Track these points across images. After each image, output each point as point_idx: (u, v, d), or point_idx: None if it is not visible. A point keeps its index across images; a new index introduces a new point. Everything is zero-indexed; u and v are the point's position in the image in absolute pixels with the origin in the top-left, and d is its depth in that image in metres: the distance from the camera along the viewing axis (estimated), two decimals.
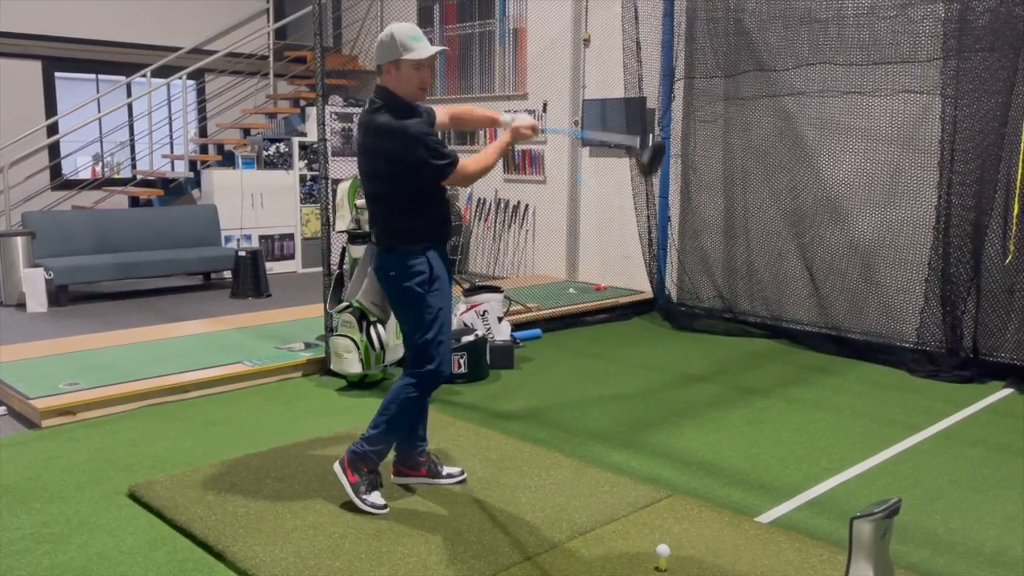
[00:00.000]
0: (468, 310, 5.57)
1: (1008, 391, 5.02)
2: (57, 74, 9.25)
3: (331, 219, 5.24)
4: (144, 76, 9.14)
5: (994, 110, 5.15)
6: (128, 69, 9.45)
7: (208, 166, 9.34)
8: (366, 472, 3.22)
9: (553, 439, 4.11)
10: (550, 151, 8.32)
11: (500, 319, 5.66)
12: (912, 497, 3.46)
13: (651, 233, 7.07)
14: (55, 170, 9.28)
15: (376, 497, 3.21)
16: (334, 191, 5.25)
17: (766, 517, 3.27)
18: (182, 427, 4.25)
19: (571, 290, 7.53)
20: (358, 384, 4.95)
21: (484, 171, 3.18)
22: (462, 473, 3.53)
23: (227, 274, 8.51)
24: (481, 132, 8.88)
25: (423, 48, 3.05)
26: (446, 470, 3.51)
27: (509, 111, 3.36)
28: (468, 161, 3.17)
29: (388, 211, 3.16)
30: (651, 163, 2.88)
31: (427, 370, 3.19)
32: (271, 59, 10.24)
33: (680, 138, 7.06)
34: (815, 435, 4.22)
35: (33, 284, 7.14)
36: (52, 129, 9.12)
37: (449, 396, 4.79)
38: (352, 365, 4.85)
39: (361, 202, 5.07)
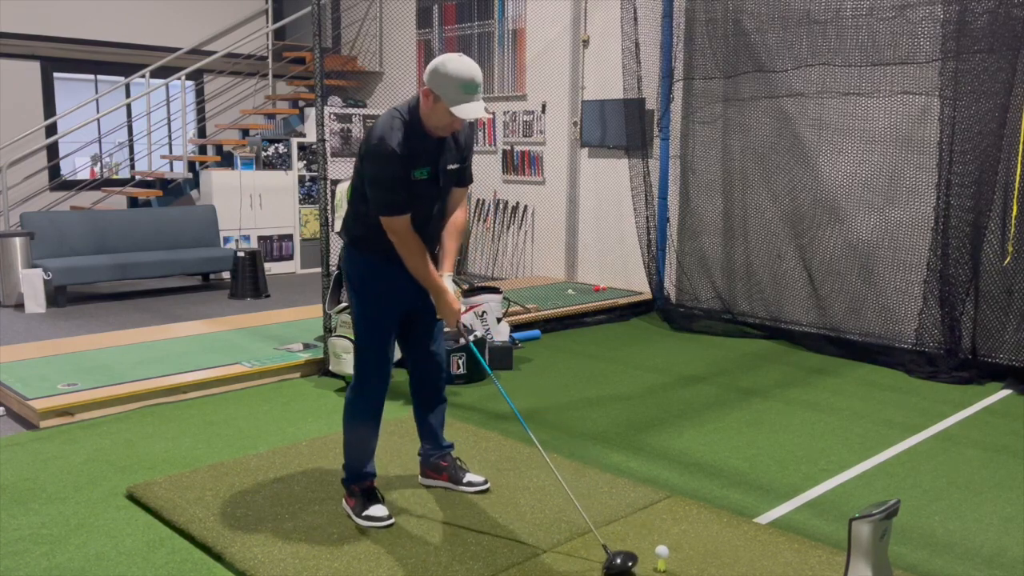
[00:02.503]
0: (467, 311, 5.57)
1: (1006, 392, 5.02)
2: (56, 74, 9.25)
3: (330, 220, 5.24)
4: (143, 77, 9.14)
5: (992, 111, 5.16)
6: (127, 69, 9.45)
7: (207, 167, 9.34)
8: (358, 491, 3.18)
9: (552, 440, 4.11)
10: (549, 152, 8.33)
11: (499, 320, 5.66)
12: (911, 498, 3.46)
13: (650, 234, 7.07)
14: (54, 171, 9.28)
15: (375, 510, 3.12)
16: (333, 192, 5.25)
17: (765, 518, 3.27)
18: (180, 428, 4.24)
19: (570, 291, 7.53)
20: None
21: (408, 262, 2.99)
22: (485, 483, 3.44)
23: (226, 275, 8.51)
24: (479, 132, 8.87)
25: (470, 107, 2.84)
26: (468, 477, 3.45)
27: (465, 303, 3.12)
28: (415, 241, 2.96)
29: (355, 209, 3.10)
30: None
31: (358, 370, 3.16)
32: (270, 60, 10.24)
33: (679, 139, 7.07)
34: (814, 436, 4.22)
35: (31, 285, 7.13)
36: (51, 130, 9.12)
37: (447, 397, 4.77)
38: (350, 366, 4.83)
39: None
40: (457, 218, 3.22)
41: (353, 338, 3.20)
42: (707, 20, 6.66)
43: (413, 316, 3.22)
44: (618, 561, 2.75)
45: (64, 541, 3.01)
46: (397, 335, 3.22)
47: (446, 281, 3.12)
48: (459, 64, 2.86)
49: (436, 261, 3.16)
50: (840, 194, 6.03)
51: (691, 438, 4.16)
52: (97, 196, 9.42)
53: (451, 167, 3.10)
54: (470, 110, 2.85)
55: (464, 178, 3.21)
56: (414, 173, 2.96)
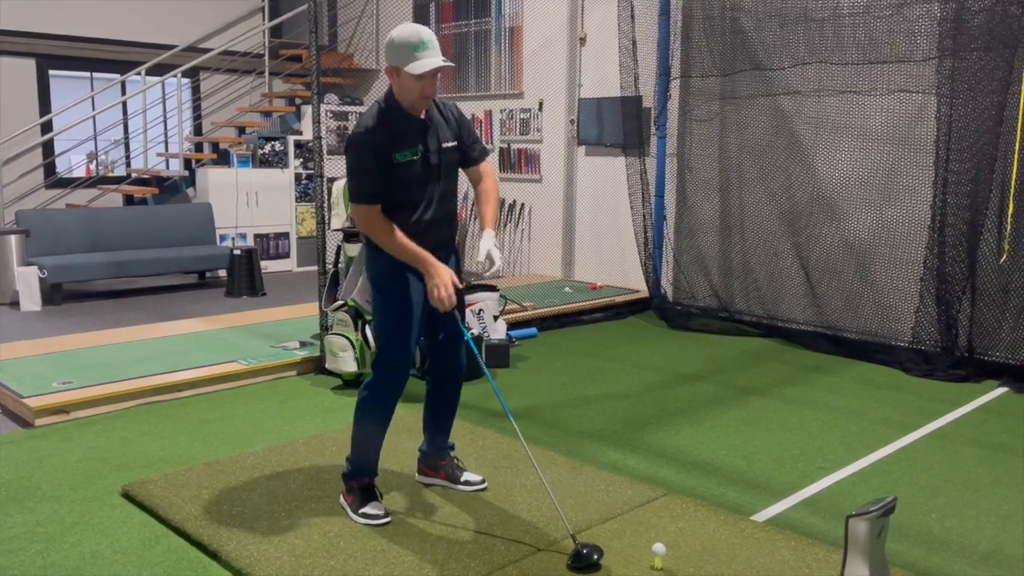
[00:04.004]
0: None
1: (1003, 390, 5.02)
2: (51, 72, 9.22)
3: (326, 218, 5.23)
4: (139, 74, 9.12)
5: (989, 109, 5.16)
6: (123, 67, 9.42)
7: (203, 164, 9.32)
8: (356, 488, 3.17)
9: (549, 438, 4.10)
10: (545, 150, 8.32)
11: (496, 318, 5.65)
12: (907, 496, 3.46)
13: (647, 232, 7.06)
14: (49, 168, 9.25)
15: (371, 508, 3.12)
16: (329, 189, 5.24)
17: (762, 516, 3.27)
18: (176, 426, 4.23)
19: (567, 289, 7.53)
20: (353, 383, 4.94)
21: (389, 249, 2.97)
22: (482, 482, 3.43)
23: (222, 273, 8.49)
24: (476, 130, 8.86)
25: (424, 62, 2.84)
26: (465, 476, 3.44)
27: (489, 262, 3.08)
28: (387, 228, 2.93)
29: None
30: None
31: (377, 369, 3.12)
32: (266, 57, 10.22)
33: (676, 137, 7.07)
34: (810, 434, 4.22)
35: (27, 282, 7.11)
36: (46, 127, 9.09)
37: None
38: (347, 364, 4.84)
39: None
40: (487, 185, 3.20)
41: (379, 332, 3.13)
42: (704, 18, 6.65)
43: (436, 313, 3.17)
44: (584, 552, 2.76)
45: (59, 539, 3.00)
46: (421, 334, 3.18)
47: (487, 238, 3.07)
48: (403, 30, 2.90)
49: (450, 241, 3.14)
50: (837, 192, 6.03)
51: (688, 436, 4.16)
52: (93, 194, 9.40)
53: (447, 145, 3.08)
54: (424, 65, 2.86)
55: (473, 156, 3.18)
56: (396, 156, 2.94)
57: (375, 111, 2.98)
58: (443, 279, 2.98)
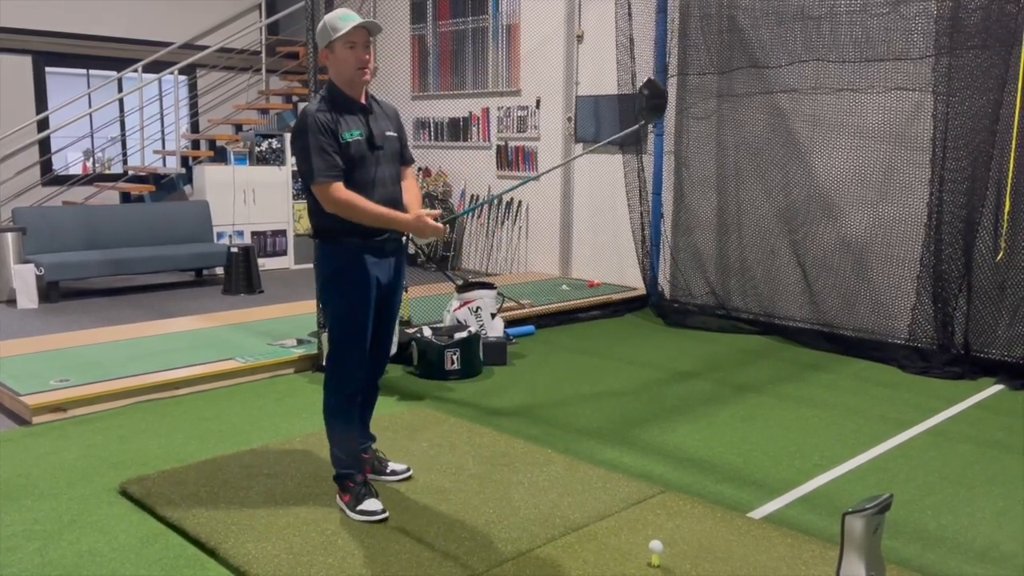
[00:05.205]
0: (461, 306, 5.57)
1: (999, 387, 5.03)
2: (48, 69, 9.20)
3: None
4: (135, 71, 9.10)
5: (986, 107, 5.17)
6: (119, 64, 9.40)
7: (200, 162, 9.31)
8: (351, 487, 3.18)
9: (546, 436, 4.11)
10: (543, 148, 8.32)
11: (493, 315, 5.65)
12: (904, 493, 3.47)
13: (644, 230, 7.07)
14: (46, 166, 9.23)
15: (369, 504, 3.13)
16: None
17: (758, 513, 3.28)
18: (173, 424, 4.23)
19: (564, 287, 7.53)
20: None
21: (363, 217, 2.99)
22: (407, 470, 3.50)
23: (219, 270, 8.48)
24: (473, 127, 8.88)
25: (348, 23, 3.02)
26: (391, 467, 3.50)
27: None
28: (355, 196, 2.97)
29: (310, 202, 3.11)
30: (651, 107, 2.92)
31: (335, 366, 3.16)
32: (263, 55, 10.19)
33: (673, 135, 7.07)
34: (807, 431, 4.23)
35: (24, 280, 7.10)
36: (43, 124, 9.07)
37: (441, 392, 4.78)
38: None
39: None
40: (411, 182, 3.34)
41: (330, 334, 3.17)
42: (701, 15, 6.66)
43: (380, 307, 3.20)
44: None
45: (57, 537, 3.00)
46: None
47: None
48: (331, 12, 3.10)
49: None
50: (834, 190, 6.04)
51: (685, 434, 4.17)
52: (89, 191, 9.38)
53: (389, 133, 3.19)
54: (348, 24, 3.02)
55: (405, 156, 3.31)
56: (344, 135, 3.03)
57: (318, 99, 3.11)
58: (421, 220, 3.07)
